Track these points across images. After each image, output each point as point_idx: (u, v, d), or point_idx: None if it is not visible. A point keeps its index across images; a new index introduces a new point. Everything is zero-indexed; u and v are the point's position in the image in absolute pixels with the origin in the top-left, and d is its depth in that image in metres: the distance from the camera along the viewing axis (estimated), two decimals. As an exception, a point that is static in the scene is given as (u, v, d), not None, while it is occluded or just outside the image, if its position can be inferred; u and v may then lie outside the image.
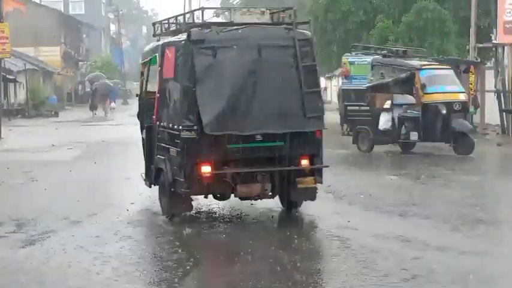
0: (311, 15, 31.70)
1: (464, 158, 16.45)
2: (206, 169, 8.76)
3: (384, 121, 17.50)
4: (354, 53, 20.09)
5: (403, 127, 17.27)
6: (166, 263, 7.31)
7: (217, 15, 10.25)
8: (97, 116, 37.25)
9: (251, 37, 9.11)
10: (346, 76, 19.49)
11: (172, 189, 9.11)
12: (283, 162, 9.09)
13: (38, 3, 59.23)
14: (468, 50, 25.18)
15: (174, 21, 10.03)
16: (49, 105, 43.75)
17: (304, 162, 9.20)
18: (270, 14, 9.54)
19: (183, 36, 9.14)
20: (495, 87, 23.20)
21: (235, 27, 9.22)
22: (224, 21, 9.79)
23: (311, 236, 8.65)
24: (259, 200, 9.54)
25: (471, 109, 21.94)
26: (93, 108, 39.66)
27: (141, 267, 7.22)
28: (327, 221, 9.34)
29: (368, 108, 17.96)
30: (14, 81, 40.47)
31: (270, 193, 9.35)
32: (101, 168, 15.26)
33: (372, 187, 12.20)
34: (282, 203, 9.86)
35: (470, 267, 7.14)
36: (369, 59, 18.64)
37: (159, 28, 10.27)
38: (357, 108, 18.44)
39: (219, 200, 9.74)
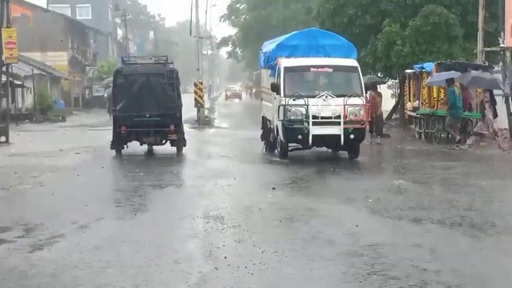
0: (318, 19, 31.77)
1: (473, 163, 16.31)
2: (123, 128, 18.39)
3: None
4: None
5: None
6: (178, 265, 7.29)
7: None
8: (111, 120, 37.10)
9: (144, 70, 19.04)
10: None
11: (114, 139, 18.70)
12: (162, 127, 18.58)
13: (45, 9, 59.55)
14: (475, 54, 25.13)
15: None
16: (56, 110, 43.88)
17: (172, 127, 18.59)
18: (156, 59, 20.20)
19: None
20: (503, 91, 23.10)
21: (138, 64, 19.55)
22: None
23: (315, 239, 8.61)
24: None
25: (478, 113, 21.89)
26: (109, 112, 39.77)
27: (150, 269, 7.20)
28: (335, 225, 9.33)
29: None
30: (22, 86, 40.60)
31: (162, 143, 18.98)
32: (108, 173, 15.28)
33: (380, 191, 12.20)
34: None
35: (481, 273, 7.11)
36: None
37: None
38: None
39: (141, 145, 19.11)
